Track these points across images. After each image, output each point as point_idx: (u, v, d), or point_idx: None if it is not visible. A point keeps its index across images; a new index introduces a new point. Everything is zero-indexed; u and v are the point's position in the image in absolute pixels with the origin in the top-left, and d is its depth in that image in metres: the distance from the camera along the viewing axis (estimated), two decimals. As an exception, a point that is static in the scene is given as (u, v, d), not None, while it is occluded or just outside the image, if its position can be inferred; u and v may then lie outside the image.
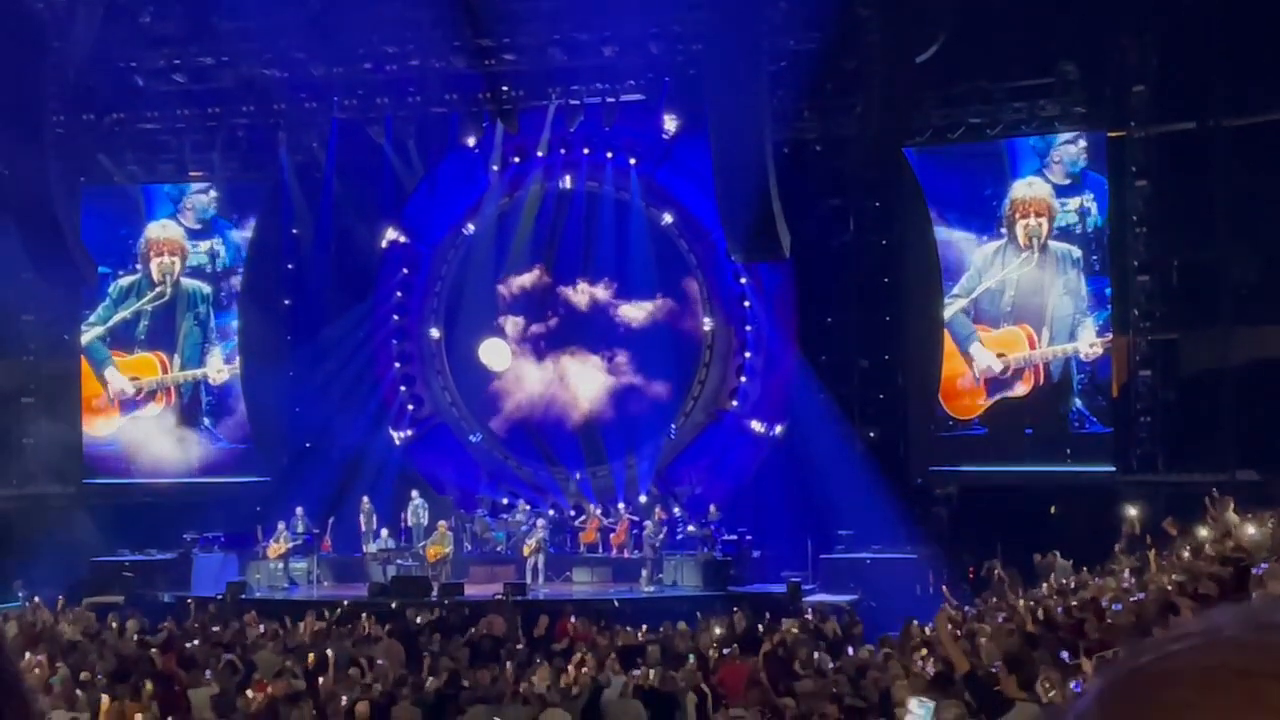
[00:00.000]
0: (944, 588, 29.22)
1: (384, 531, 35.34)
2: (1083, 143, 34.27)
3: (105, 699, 20.87)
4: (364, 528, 35.60)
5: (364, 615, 28.52)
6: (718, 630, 27.01)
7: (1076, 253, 34.29)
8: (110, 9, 34.69)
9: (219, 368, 40.21)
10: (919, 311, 36.04)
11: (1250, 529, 22.24)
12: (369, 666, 23.23)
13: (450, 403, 39.85)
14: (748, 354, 37.65)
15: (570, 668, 23.23)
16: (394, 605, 30.23)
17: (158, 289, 40.23)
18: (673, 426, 37.82)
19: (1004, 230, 34.81)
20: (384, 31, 35.40)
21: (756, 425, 37.11)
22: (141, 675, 22.82)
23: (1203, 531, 24.57)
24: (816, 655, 24.38)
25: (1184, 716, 0.81)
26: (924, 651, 20.24)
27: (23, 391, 40.40)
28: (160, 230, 40.30)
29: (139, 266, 40.29)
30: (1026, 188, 34.59)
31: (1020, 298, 34.75)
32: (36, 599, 30.24)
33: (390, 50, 36.08)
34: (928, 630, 23.71)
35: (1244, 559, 18.18)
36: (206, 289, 40.31)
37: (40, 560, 34.25)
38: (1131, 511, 29.97)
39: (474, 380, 39.56)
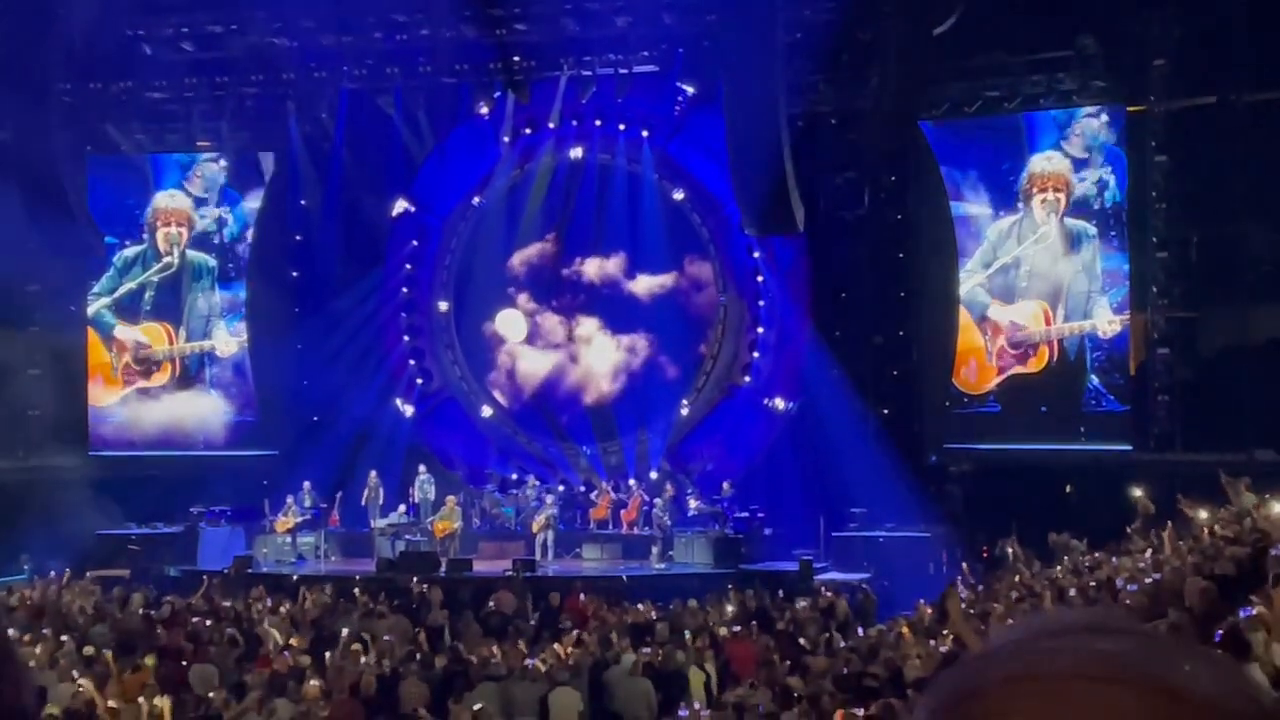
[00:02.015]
0: (964, 565, 29.25)
1: (396, 507, 35.37)
2: (1104, 117, 34.18)
3: (111, 672, 20.96)
4: (372, 502, 35.61)
5: (370, 591, 28.61)
6: (728, 608, 27.07)
7: (1093, 228, 34.22)
8: (117, -24, 34.73)
9: (226, 340, 40.24)
10: (934, 287, 36.04)
11: (1276, 507, 22.20)
12: (376, 643, 23.26)
13: (460, 377, 39.86)
14: (761, 329, 37.61)
15: (579, 645, 23.27)
16: (401, 581, 30.29)
17: (165, 260, 40.25)
18: (684, 402, 37.80)
19: (1021, 205, 34.77)
20: (397, 2, 35.35)
21: (775, 402, 37.07)
22: (146, 649, 22.92)
23: (1220, 512, 24.56)
24: (828, 634, 24.42)
25: None
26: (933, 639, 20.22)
27: (29, 363, 40.43)
28: (167, 200, 40.32)
29: (145, 237, 40.31)
30: (1045, 161, 34.53)
31: (1036, 273, 34.71)
32: (53, 574, 30.34)
33: (400, 19, 36.06)
34: (926, 611, 23.76)
35: (1261, 539, 18.15)
36: (212, 260, 40.32)
37: (46, 533, 34.35)
38: (1137, 493, 29.94)
39: (484, 354, 39.58)
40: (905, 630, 21.97)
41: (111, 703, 18.79)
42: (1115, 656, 0.84)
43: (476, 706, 18.84)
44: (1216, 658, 0.84)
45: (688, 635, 23.96)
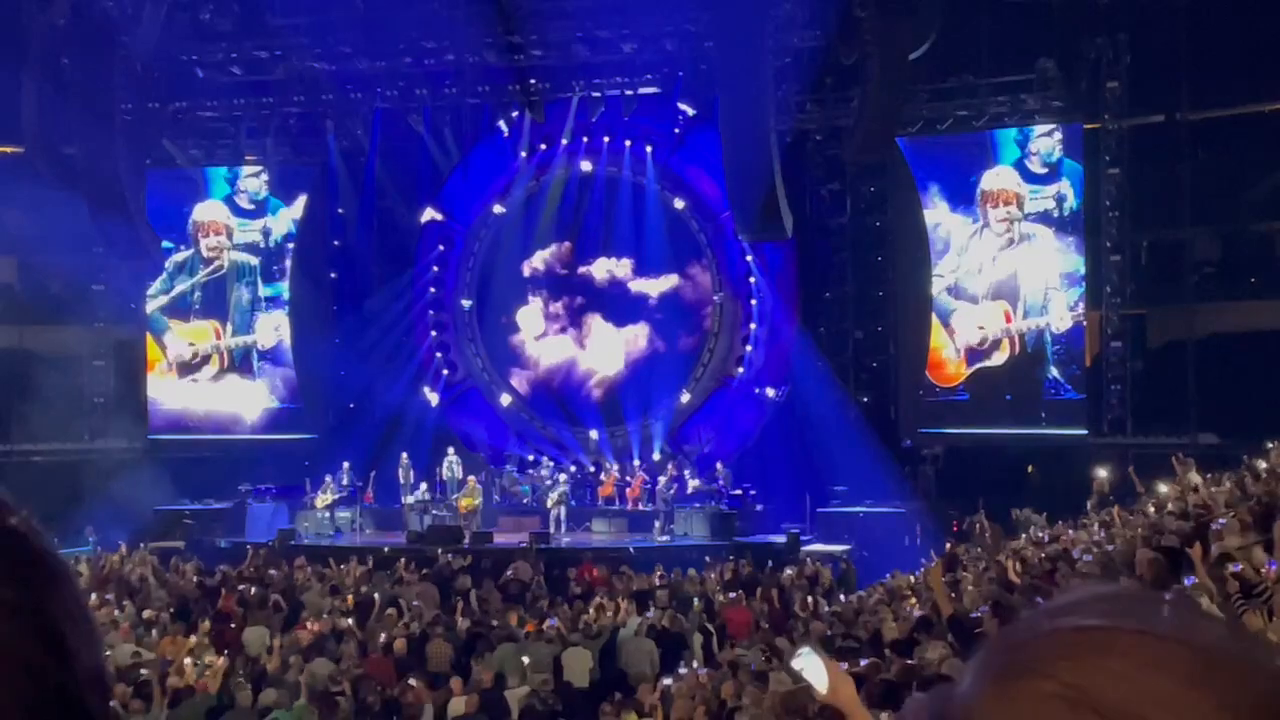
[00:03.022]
0: (949, 543, 29.23)
1: (422, 485, 35.39)
2: (1059, 134, 34.21)
3: (167, 635, 21.00)
4: (402, 481, 35.64)
5: (402, 561, 28.62)
6: (724, 576, 27.09)
7: (1051, 234, 34.24)
8: (173, 7, 34.71)
9: (269, 335, 40.29)
10: (909, 287, 36.07)
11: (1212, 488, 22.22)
12: (406, 607, 23.28)
13: (481, 368, 39.90)
14: (753, 325, 37.61)
15: (589, 610, 23.29)
16: (429, 552, 30.31)
17: (214, 263, 40.30)
18: (684, 391, 37.82)
19: (986, 212, 34.78)
20: (423, 28, 35.34)
21: (766, 391, 37.08)
22: (199, 614, 22.95)
23: (1164, 489, 24.59)
24: (813, 600, 24.45)
25: (1056, 670, 0.82)
26: (912, 600, 20.24)
27: (94, 355, 40.56)
28: (217, 209, 40.35)
29: (196, 241, 40.33)
30: (994, 178, 34.56)
31: (998, 275, 34.73)
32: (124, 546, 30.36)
33: (429, 46, 36.04)
34: (913, 579, 23.76)
35: (1204, 514, 18.17)
36: (255, 262, 40.34)
37: (108, 508, 34.39)
38: (1101, 472, 29.96)
39: (503, 347, 39.63)
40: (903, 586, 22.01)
41: (168, 661, 18.82)
42: (1163, 615, 0.83)
43: (499, 665, 18.88)
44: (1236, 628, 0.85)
45: (696, 602, 24.01)
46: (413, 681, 17.87)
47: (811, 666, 5.25)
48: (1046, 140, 34.25)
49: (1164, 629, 0.83)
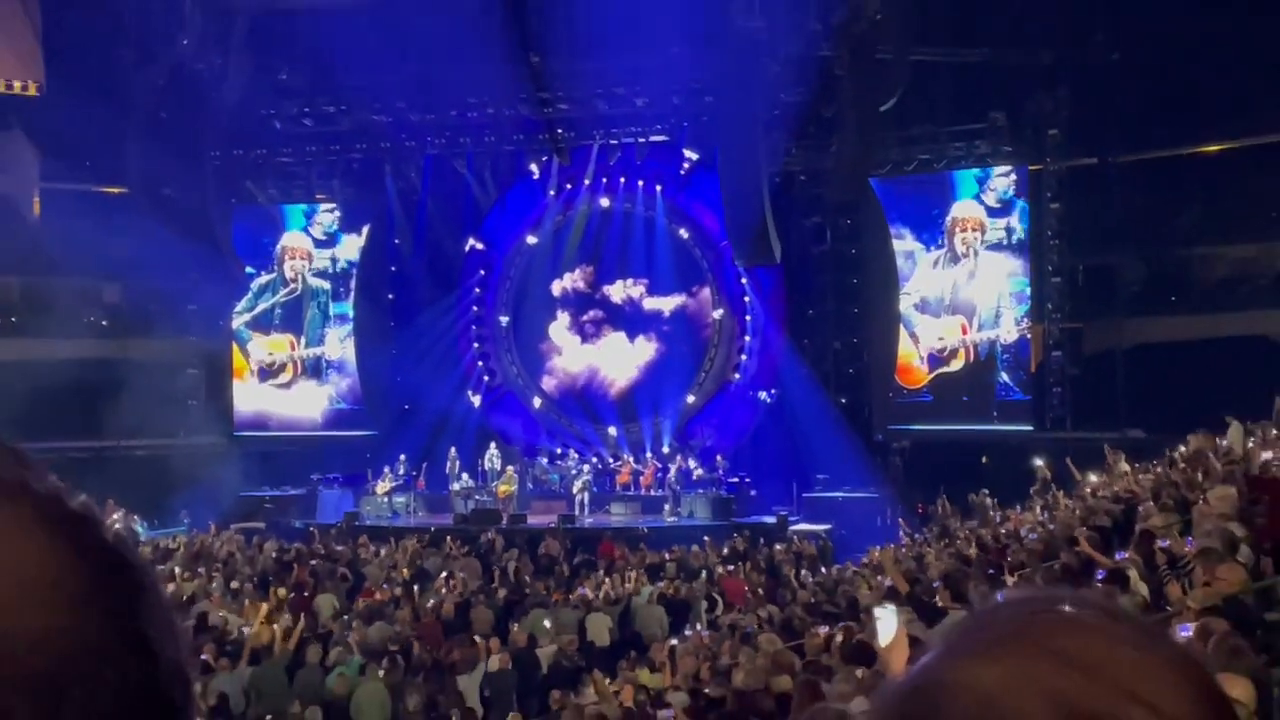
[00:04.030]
0: (900, 520, 29.20)
1: (466, 474, 35.42)
2: (1009, 174, 34.21)
3: (250, 602, 21.02)
4: (450, 471, 35.67)
5: (449, 538, 28.62)
6: (723, 551, 27.07)
7: (1002, 260, 34.26)
8: (255, 68, 34.83)
9: (336, 346, 40.38)
10: (880, 305, 36.03)
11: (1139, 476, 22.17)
12: (453, 578, 23.29)
13: (516, 374, 39.92)
14: (748, 337, 37.58)
15: (609, 580, 23.29)
16: (473, 531, 30.33)
17: (290, 286, 40.43)
18: (689, 393, 37.80)
19: (945, 241, 34.79)
20: (467, 87, 35.44)
21: (759, 393, 37.09)
22: (277, 584, 22.97)
23: (1094, 478, 24.54)
24: (799, 572, 24.42)
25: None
26: (880, 575, 20.21)
27: (187, 363, 40.67)
28: (293, 239, 40.48)
29: (275, 268, 40.47)
30: (964, 208, 34.57)
31: (957, 295, 34.72)
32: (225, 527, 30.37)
33: (471, 101, 36.15)
34: (876, 553, 23.72)
35: (1133, 499, 18.12)
36: (326, 285, 40.45)
37: (200, 495, 34.45)
38: (1043, 462, 29.89)
39: (535, 356, 39.67)
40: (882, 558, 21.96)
41: (250, 624, 18.84)
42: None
43: (532, 627, 18.88)
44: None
45: (694, 573, 24.00)
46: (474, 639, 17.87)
47: (886, 622, 5.25)
48: (1002, 180, 34.27)
49: (1105, 610, 0.85)
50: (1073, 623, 0.84)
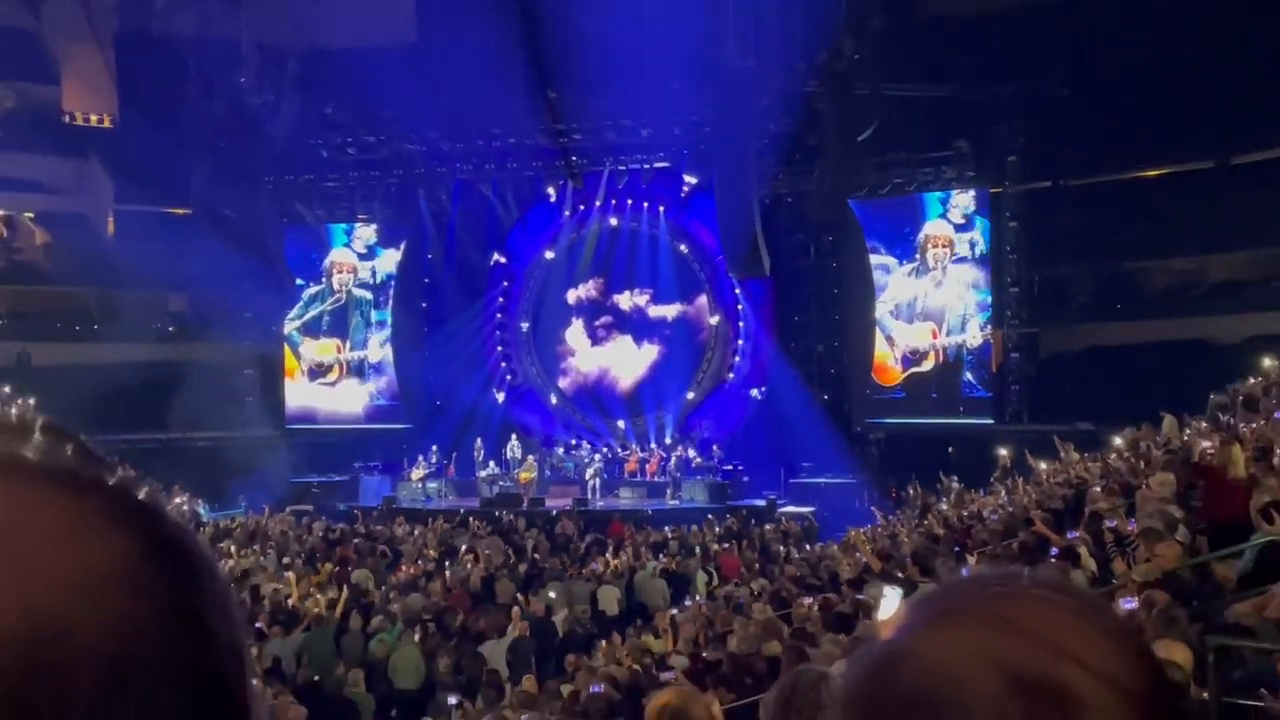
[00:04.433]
0: (873, 508, 29.17)
1: (491, 462, 35.42)
2: (973, 196, 34.18)
3: (299, 575, 21.03)
4: (476, 459, 35.67)
5: (475, 520, 28.64)
6: (718, 531, 27.06)
7: (967, 272, 34.24)
8: (304, 103, 34.90)
9: (377, 349, 40.42)
10: (858, 312, 35.97)
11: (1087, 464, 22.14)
12: (479, 554, 23.29)
13: (535, 374, 39.91)
14: (741, 341, 37.56)
15: (617, 556, 23.28)
16: (497, 513, 30.33)
17: (336, 296, 40.48)
18: (689, 390, 37.79)
19: (918, 256, 34.76)
20: (491, 119, 35.51)
21: (751, 391, 37.10)
22: (324, 560, 22.98)
23: (1044, 466, 24.54)
24: (786, 549, 24.42)
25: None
26: (857, 553, 20.20)
27: (244, 365, 40.72)
28: (339, 255, 40.52)
29: (323, 280, 40.50)
30: (933, 226, 34.56)
31: (927, 303, 34.70)
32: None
33: (495, 132, 36.22)
34: (853, 532, 23.70)
35: (1082, 484, 18.11)
36: (368, 295, 40.48)
37: (255, 481, 34.50)
38: (1004, 451, 29.86)
39: (552, 358, 39.67)
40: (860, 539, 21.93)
41: (300, 595, 18.86)
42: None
43: (549, 598, 18.87)
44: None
45: (693, 550, 23.99)
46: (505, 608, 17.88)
47: (889, 602, 5.24)
48: (966, 201, 34.25)
49: (1053, 586, 0.86)
50: (1020, 595, 0.84)
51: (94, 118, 46.47)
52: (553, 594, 19.23)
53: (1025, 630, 0.81)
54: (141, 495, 0.74)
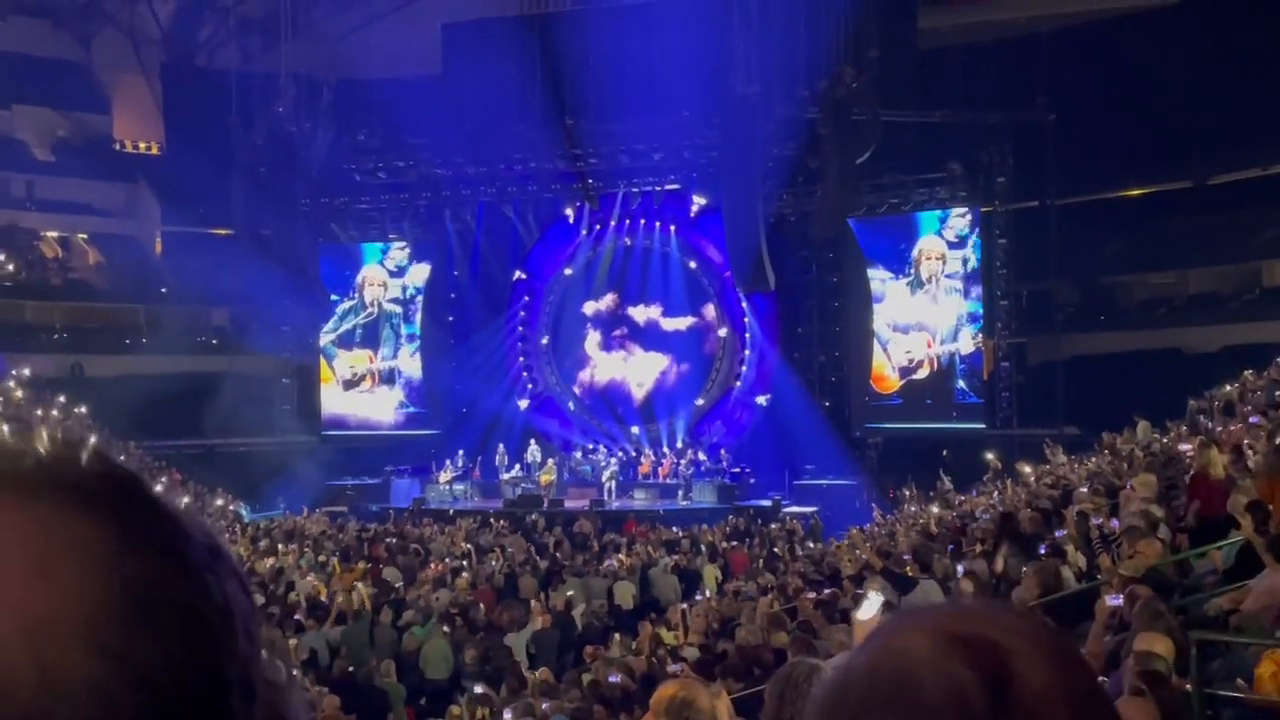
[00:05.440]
0: (873, 505, 29.10)
1: (514, 466, 35.40)
2: (965, 215, 34.13)
3: (335, 572, 21.05)
4: (500, 463, 35.64)
5: (499, 519, 28.64)
6: (727, 529, 27.02)
7: (959, 286, 34.18)
8: (338, 131, 35.01)
9: (407, 360, 40.48)
10: (857, 324, 35.92)
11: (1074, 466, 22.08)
12: (503, 552, 23.29)
13: (555, 382, 39.89)
14: (747, 351, 37.48)
15: (632, 553, 23.25)
16: (519, 513, 30.33)
17: (368, 310, 40.56)
18: (699, 397, 37.76)
19: (913, 271, 34.71)
20: (513, 145, 35.56)
21: (757, 398, 37.03)
22: (358, 557, 23.00)
23: (1027, 469, 24.48)
24: (791, 547, 24.35)
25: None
26: (858, 550, 20.13)
27: (282, 375, 40.86)
28: (370, 272, 40.60)
29: (356, 295, 40.57)
30: (928, 243, 34.50)
31: (921, 315, 34.63)
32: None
33: (517, 157, 36.30)
34: (854, 532, 23.65)
35: (1069, 485, 18.05)
36: (398, 309, 40.55)
37: (293, 483, 34.58)
38: (988, 455, 29.79)
39: (570, 367, 39.66)
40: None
41: (335, 591, 18.87)
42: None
43: (569, 593, 18.87)
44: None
45: (703, 548, 23.96)
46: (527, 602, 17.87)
47: (870, 602, 5.21)
48: (959, 219, 34.20)
49: (1012, 611, 0.88)
50: (972, 610, 0.86)
51: (142, 145, 46.79)
52: (571, 590, 19.23)
53: (968, 617, 0.83)
54: (159, 513, 0.70)
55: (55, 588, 0.63)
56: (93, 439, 0.75)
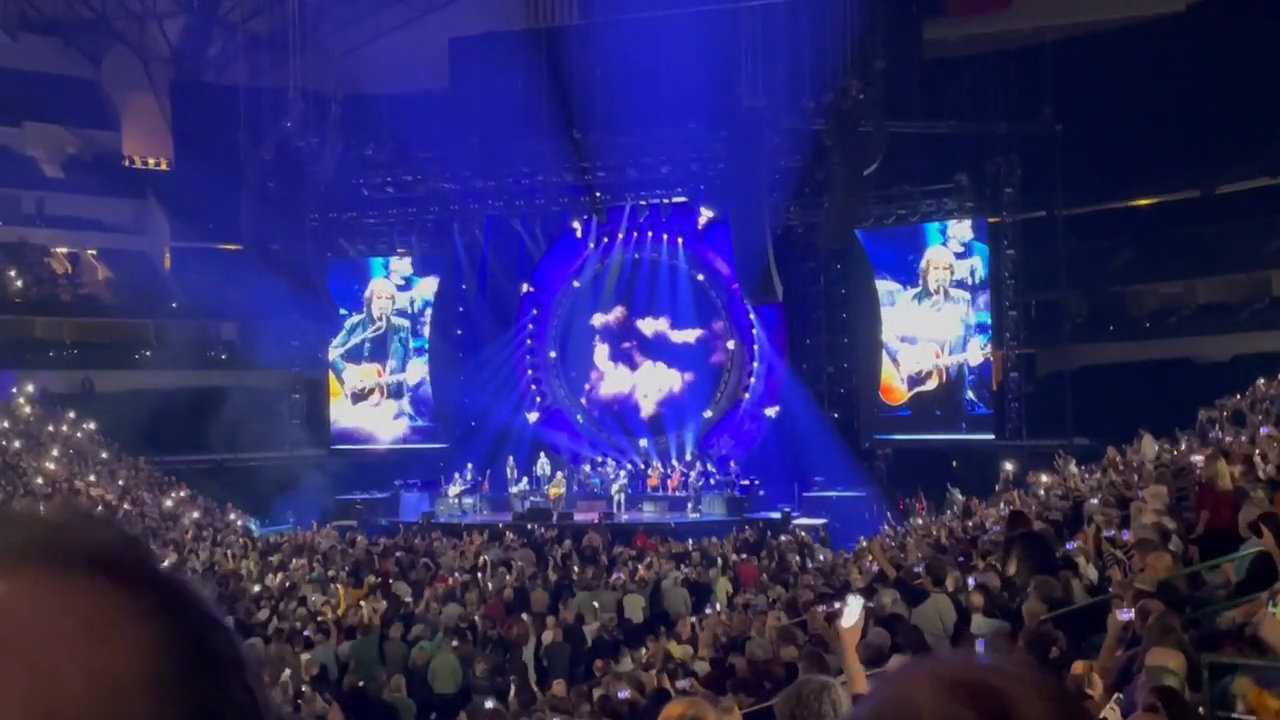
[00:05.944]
0: (888, 515, 29.03)
1: (523, 479, 35.36)
2: (972, 225, 34.10)
3: (344, 587, 21.03)
4: (509, 476, 35.61)
5: (509, 533, 28.61)
6: (737, 542, 26.96)
7: (967, 296, 34.14)
8: (346, 146, 35.07)
9: (415, 374, 40.48)
10: (865, 335, 35.92)
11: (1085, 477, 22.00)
12: (513, 566, 23.27)
13: (564, 395, 39.89)
14: (755, 363, 37.48)
15: (641, 566, 23.21)
16: (529, 526, 30.30)
17: (376, 324, 40.60)
18: (707, 410, 37.74)
19: (921, 282, 34.69)
20: (521, 159, 35.67)
21: (766, 410, 37.02)
22: (367, 572, 22.98)
23: (1045, 478, 24.39)
24: (800, 559, 24.31)
25: None
26: (869, 559, 20.06)
27: (291, 390, 40.84)
28: (379, 286, 40.64)
29: (364, 309, 40.61)
30: (935, 253, 34.49)
31: (930, 326, 34.59)
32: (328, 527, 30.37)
33: (525, 170, 36.36)
34: (864, 542, 23.57)
35: (1079, 496, 18.00)
36: (406, 323, 40.58)
37: (303, 498, 34.58)
38: (1007, 466, 29.72)
39: (579, 380, 39.66)
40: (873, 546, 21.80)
41: (345, 605, 18.87)
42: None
43: (580, 604, 18.83)
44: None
45: (717, 560, 23.91)
46: (524, 616, 17.84)
47: (852, 609, 5.21)
48: (966, 230, 34.18)
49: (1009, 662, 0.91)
50: (973, 659, 0.89)
51: (151, 161, 46.97)
52: (581, 603, 19.20)
53: (969, 665, 0.86)
54: (172, 585, 0.72)
55: (116, 648, 0.66)
56: (99, 509, 0.77)
